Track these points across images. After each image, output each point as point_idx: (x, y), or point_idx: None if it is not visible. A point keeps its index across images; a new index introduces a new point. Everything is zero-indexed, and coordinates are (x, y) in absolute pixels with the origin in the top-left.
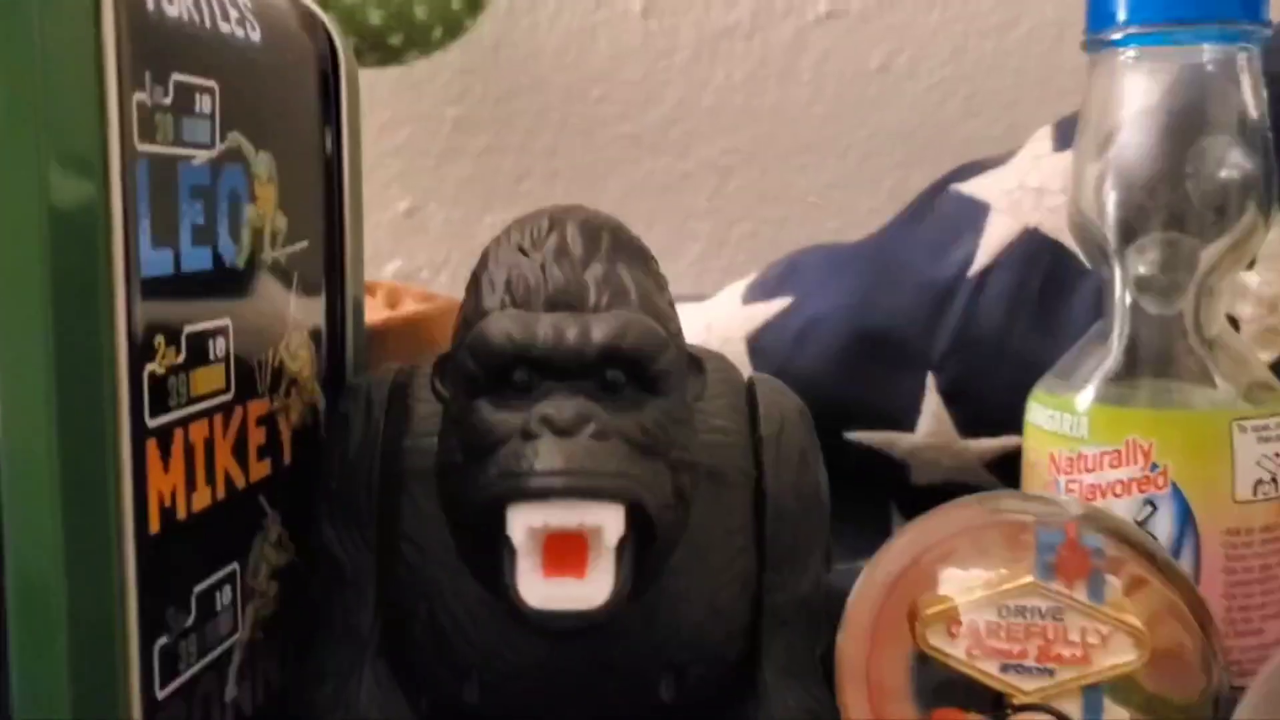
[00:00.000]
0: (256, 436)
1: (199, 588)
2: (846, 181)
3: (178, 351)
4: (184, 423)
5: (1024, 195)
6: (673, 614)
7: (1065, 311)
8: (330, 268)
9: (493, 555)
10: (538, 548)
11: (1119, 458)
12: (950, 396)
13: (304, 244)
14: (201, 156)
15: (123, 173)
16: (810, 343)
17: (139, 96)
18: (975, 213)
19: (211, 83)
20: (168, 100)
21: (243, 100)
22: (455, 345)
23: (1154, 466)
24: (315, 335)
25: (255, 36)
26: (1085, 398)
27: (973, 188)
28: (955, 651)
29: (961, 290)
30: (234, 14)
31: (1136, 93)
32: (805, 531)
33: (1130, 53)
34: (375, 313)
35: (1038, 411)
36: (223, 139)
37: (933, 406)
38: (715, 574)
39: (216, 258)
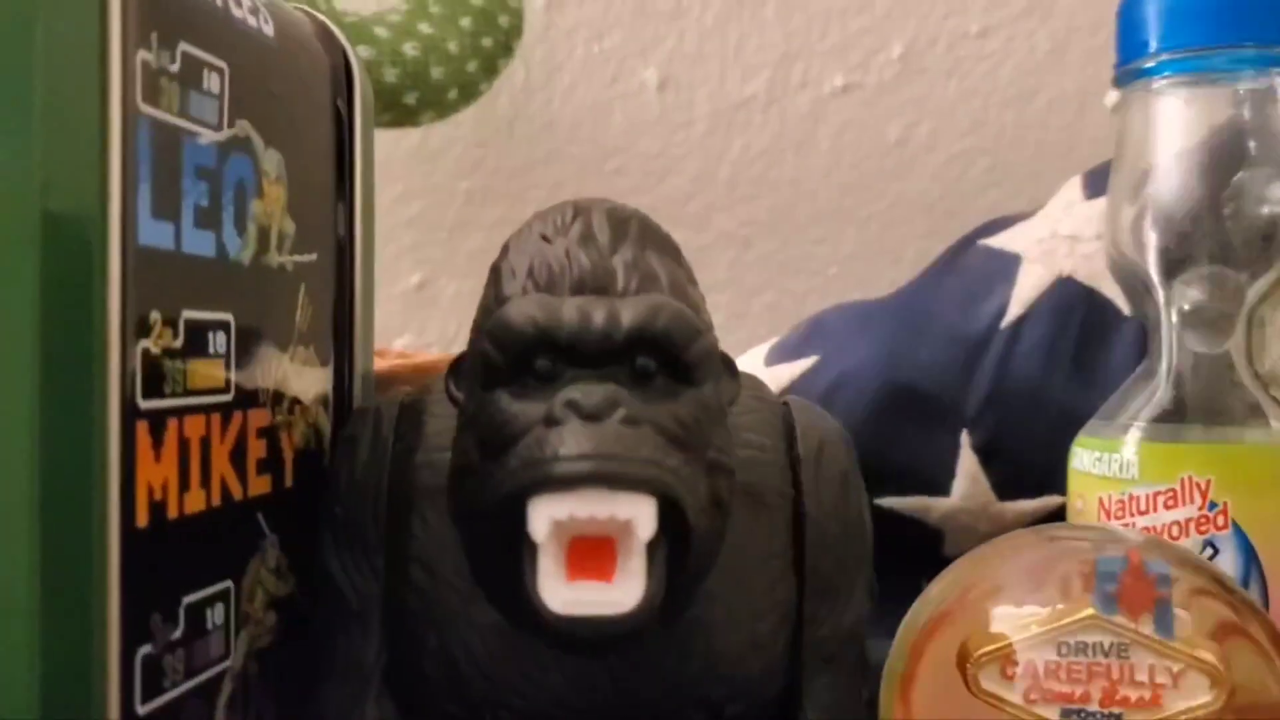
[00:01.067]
0: (257, 449)
1: (189, 599)
2: (868, 252)
3: (175, 335)
4: (179, 414)
5: (1056, 243)
6: (708, 644)
7: (1105, 360)
8: (340, 288)
9: (511, 567)
10: (562, 547)
11: (1174, 497)
12: (986, 455)
13: (313, 256)
14: (208, 136)
15: (123, 129)
16: (838, 402)
17: (143, 55)
18: (1006, 264)
19: (221, 63)
20: (174, 68)
21: (253, 90)
22: (472, 340)
23: (1212, 505)
24: (322, 355)
25: (268, 30)
26: (1134, 436)
27: (1001, 240)
28: (1012, 696)
29: (995, 342)
30: (246, 2)
31: (1172, 123)
32: (848, 559)
33: (1164, 81)
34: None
35: (1082, 456)
36: (231, 124)
37: (968, 466)
38: (754, 601)
39: (220, 246)
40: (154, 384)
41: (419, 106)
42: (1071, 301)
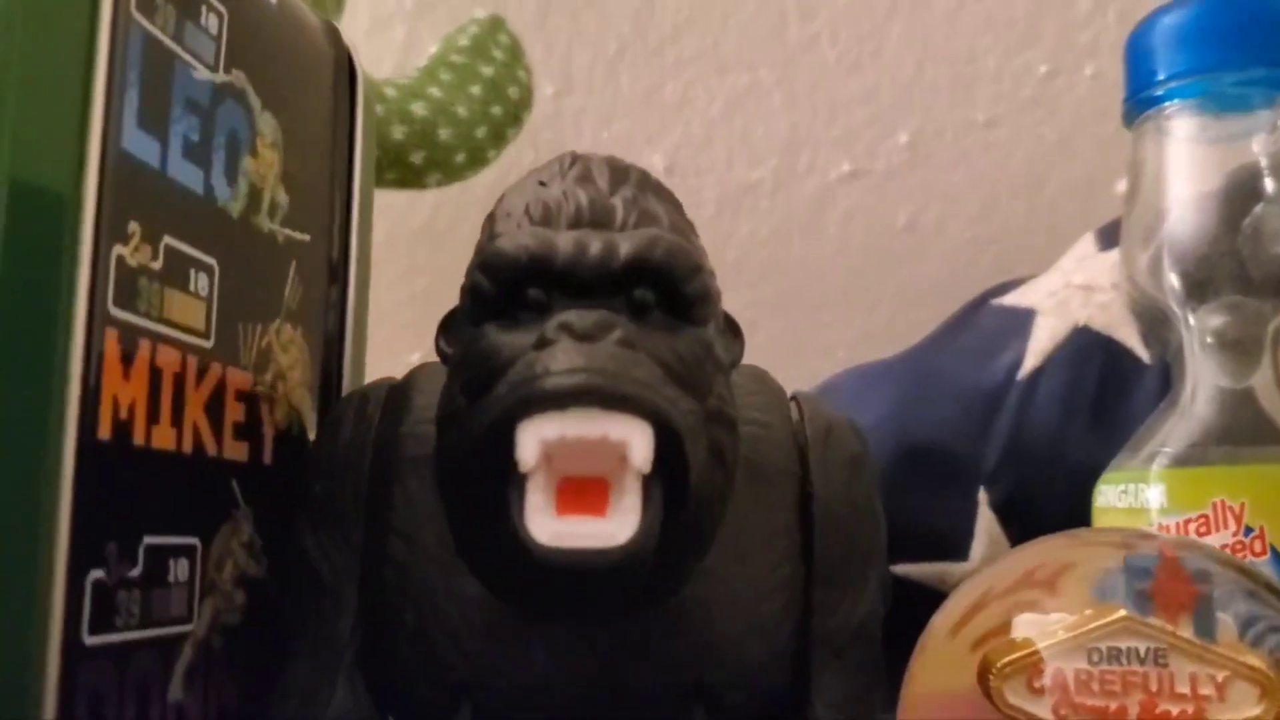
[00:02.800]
0: (235, 411)
1: (151, 540)
2: (877, 336)
3: (154, 256)
4: (153, 339)
5: (1071, 294)
6: (706, 624)
7: (1124, 410)
8: (333, 277)
9: (496, 511)
10: (551, 482)
11: (1207, 524)
12: (1005, 513)
13: (306, 237)
14: (202, 73)
15: (113, 28)
16: None
17: None
18: (1019, 320)
19: (221, 8)
20: None
21: (251, 47)
22: (463, 286)
23: (1248, 530)
24: (311, 341)
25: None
26: (1161, 464)
27: (1014, 298)
28: (1040, 711)
29: (1011, 395)
30: None
31: (1184, 150)
32: (859, 545)
33: (1174, 107)
34: None
35: (1107, 493)
36: (227, 70)
37: (986, 526)
38: (756, 581)
39: (208, 187)
40: (127, 295)
41: (425, 166)
42: (1089, 351)
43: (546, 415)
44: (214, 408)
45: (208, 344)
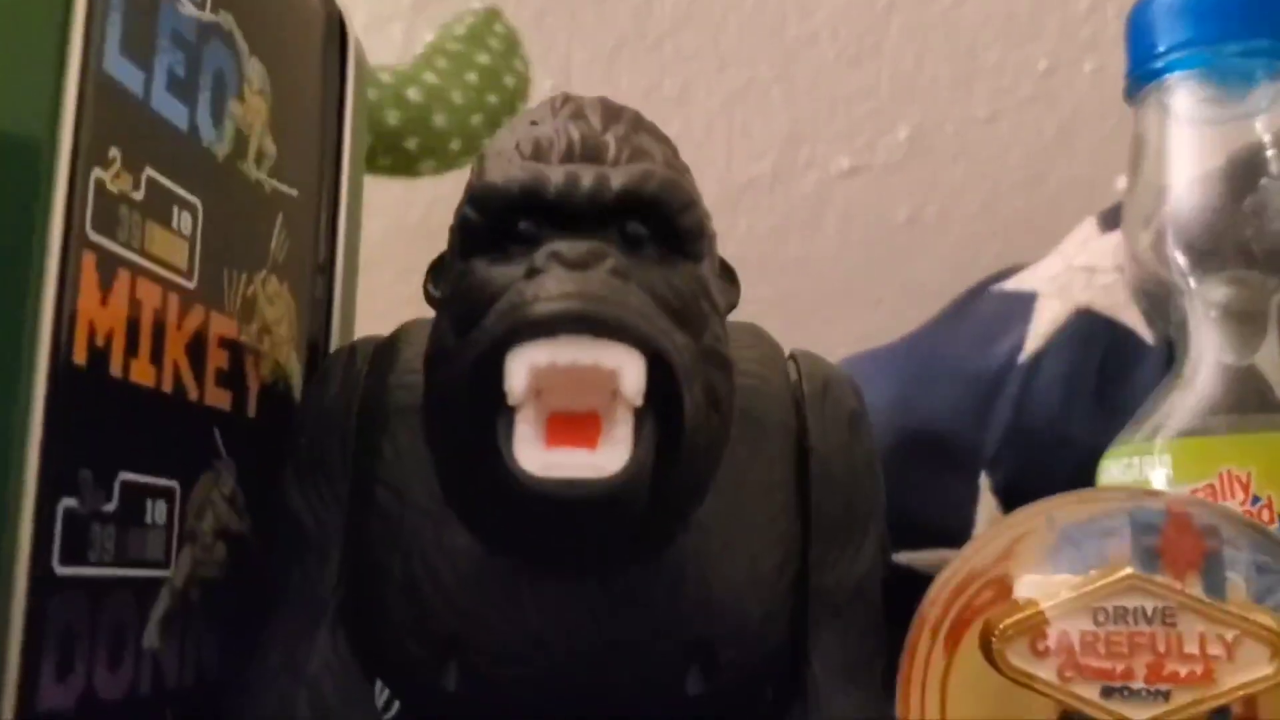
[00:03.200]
0: (218, 358)
1: (127, 476)
2: (879, 332)
3: (136, 186)
4: (133, 270)
5: (1073, 276)
6: (701, 577)
7: (1127, 391)
8: (321, 236)
9: (485, 445)
10: (541, 416)
11: (1213, 494)
12: (1007, 498)
13: (294, 191)
14: (189, 7)
15: None
16: None
17: None
18: (1020, 304)
19: None
20: None
21: None
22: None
23: (1255, 499)
24: (298, 296)
25: None
26: (1166, 435)
27: (1014, 283)
28: (1044, 674)
29: (1011, 379)
30: None
31: (1186, 127)
32: (857, 502)
33: (1175, 79)
34: None
35: (1110, 469)
36: (214, 10)
37: (988, 511)
38: (753, 534)
39: (193, 125)
40: (106, 221)
41: (419, 153)
42: (1091, 332)
43: (536, 342)
44: (196, 351)
45: (190, 284)
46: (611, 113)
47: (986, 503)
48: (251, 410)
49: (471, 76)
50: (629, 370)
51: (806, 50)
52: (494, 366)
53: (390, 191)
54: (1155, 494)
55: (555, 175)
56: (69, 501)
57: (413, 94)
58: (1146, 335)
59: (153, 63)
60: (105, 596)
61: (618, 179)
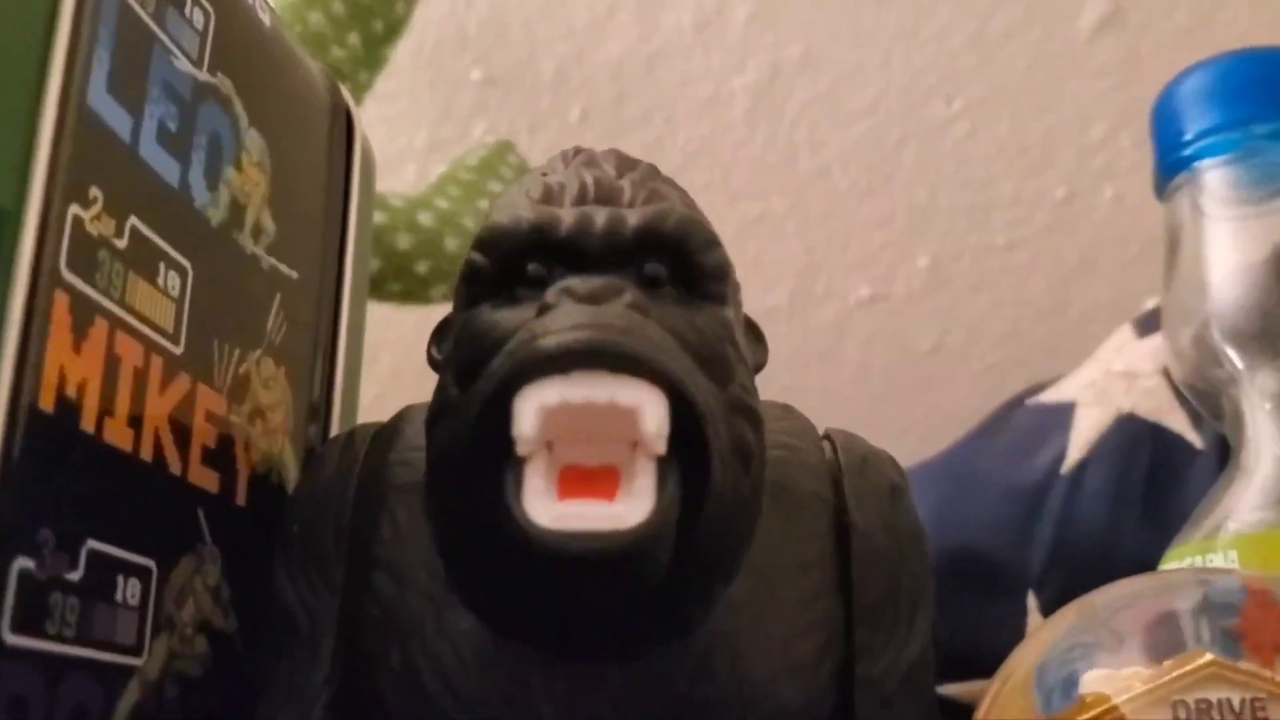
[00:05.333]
0: (204, 434)
1: (96, 545)
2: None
3: (119, 234)
4: (112, 321)
5: (1112, 382)
6: (735, 663)
7: (1178, 499)
8: (319, 325)
9: (489, 520)
10: (554, 467)
11: None
12: None
13: (294, 274)
14: (184, 63)
15: None
16: None
17: None
18: (1059, 415)
19: (207, 5)
20: None
21: (240, 57)
22: (456, 287)
23: None
24: (295, 384)
25: (264, 18)
26: (1229, 531)
27: (1050, 395)
28: None
29: (1055, 491)
30: None
31: (1221, 216)
32: (904, 581)
33: (1206, 166)
34: None
35: None
36: (212, 72)
37: None
38: (789, 616)
39: (185, 184)
40: (84, 264)
41: (431, 277)
42: (1136, 439)
43: (546, 380)
44: (180, 422)
45: (176, 349)
46: (627, 162)
47: (1036, 625)
48: (240, 498)
49: (484, 203)
50: (650, 409)
51: (819, 182)
52: (500, 412)
53: (402, 323)
54: (1225, 571)
55: (567, 216)
56: (25, 562)
57: (424, 219)
58: (1194, 439)
59: (142, 110)
60: (64, 676)
61: (634, 217)
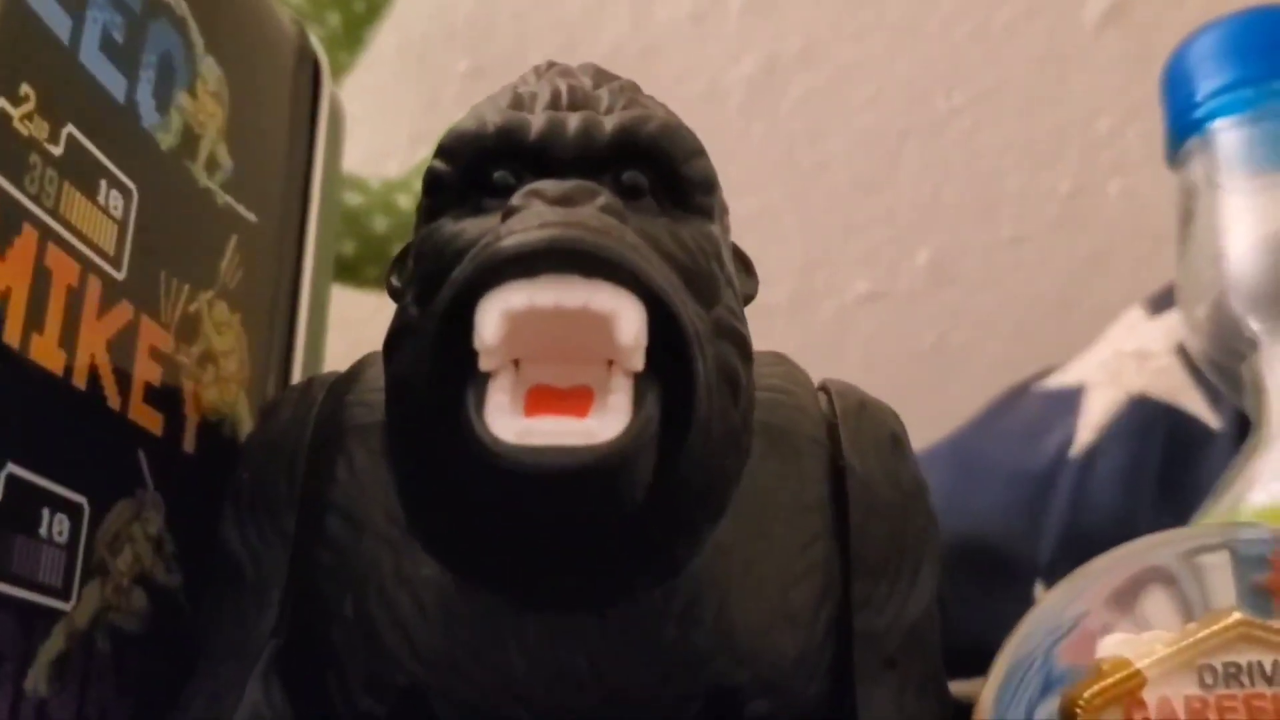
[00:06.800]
0: (148, 370)
1: (17, 470)
2: None
3: (53, 137)
4: (43, 230)
5: (1123, 362)
6: (724, 609)
7: (1195, 481)
8: (284, 273)
9: (449, 444)
10: (520, 386)
11: None
12: None
13: (252, 216)
14: None
15: None
16: None
17: None
18: (1067, 399)
19: None
20: None
21: None
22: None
23: None
24: (250, 332)
25: None
26: (1252, 503)
27: (1057, 380)
28: None
29: (1064, 475)
30: None
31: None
32: (906, 532)
33: (1220, 126)
34: None
35: None
36: None
37: None
38: (784, 560)
39: (132, 101)
40: (11, 164)
41: None
42: (1149, 420)
43: (511, 284)
44: (120, 352)
45: (117, 274)
46: (605, 75)
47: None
48: (188, 445)
49: None
50: (626, 317)
51: (819, 176)
52: (462, 323)
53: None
54: (1254, 524)
55: (537, 120)
56: None
57: (403, 201)
58: (1210, 419)
59: (84, 13)
60: None
61: (611, 122)
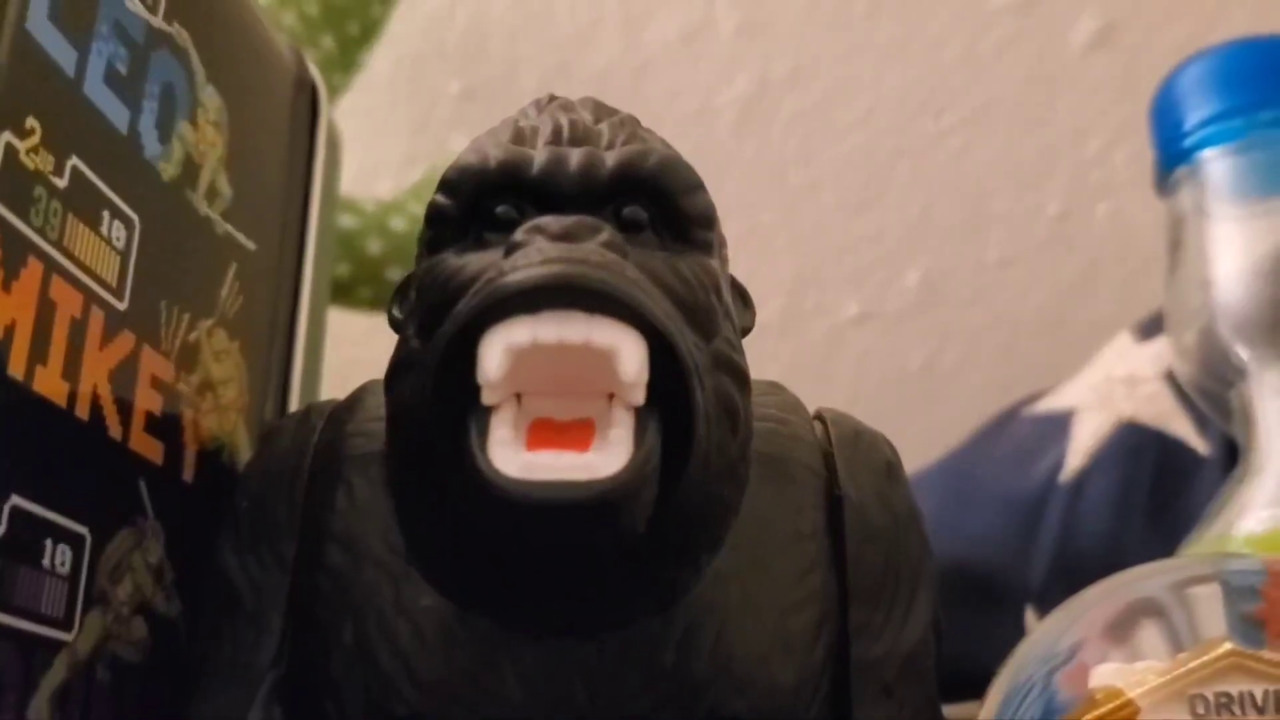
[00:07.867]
0: (148, 399)
1: (21, 502)
2: None
3: (58, 170)
4: (48, 263)
5: (1113, 387)
6: (723, 638)
7: (1184, 508)
8: (279, 305)
9: (450, 479)
10: (522, 420)
11: None
12: None
13: (251, 244)
14: (137, 5)
15: None
16: None
17: None
18: (1058, 423)
19: None
20: None
21: (199, 10)
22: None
23: None
24: (250, 359)
25: None
26: (1241, 530)
27: (1047, 404)
28: None
29: (1054, 501)
30: None
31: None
32: (901, 560)
33: (1209, 156)
34: None
35: None
36: (168, 20)
37: None
38: (782, 589)
39: (135, 132)
40: (17, 197)
41: None
42: (1139, 446)
43: (514, 320)
44: (122, 382)
45: (120, 304)
46: (605, 109)
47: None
48: (187, 474)
49: None
50: (627, 351)
51: (809, 197)
52: (465, 357)
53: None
54: (1244, 555)
55: (539, 155)
56: None
57: (397, 223)
58: (1199, 446)
59: (89, 46)
60: None
61: (612, 157)
